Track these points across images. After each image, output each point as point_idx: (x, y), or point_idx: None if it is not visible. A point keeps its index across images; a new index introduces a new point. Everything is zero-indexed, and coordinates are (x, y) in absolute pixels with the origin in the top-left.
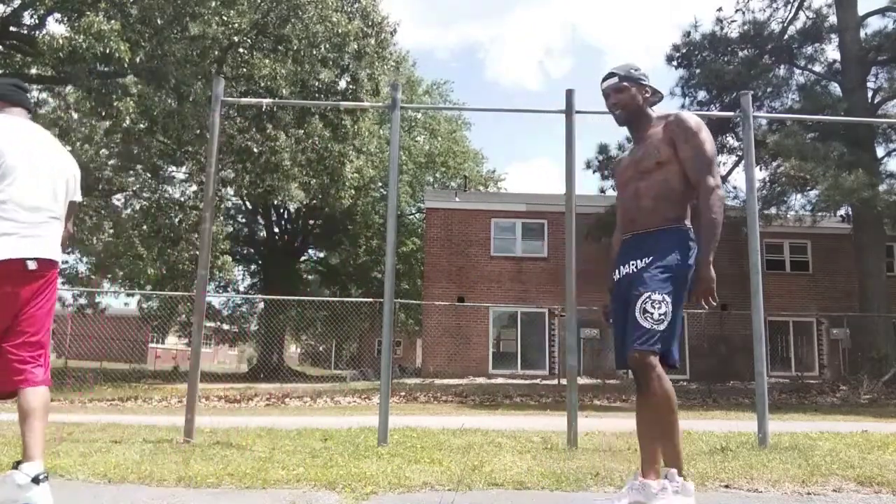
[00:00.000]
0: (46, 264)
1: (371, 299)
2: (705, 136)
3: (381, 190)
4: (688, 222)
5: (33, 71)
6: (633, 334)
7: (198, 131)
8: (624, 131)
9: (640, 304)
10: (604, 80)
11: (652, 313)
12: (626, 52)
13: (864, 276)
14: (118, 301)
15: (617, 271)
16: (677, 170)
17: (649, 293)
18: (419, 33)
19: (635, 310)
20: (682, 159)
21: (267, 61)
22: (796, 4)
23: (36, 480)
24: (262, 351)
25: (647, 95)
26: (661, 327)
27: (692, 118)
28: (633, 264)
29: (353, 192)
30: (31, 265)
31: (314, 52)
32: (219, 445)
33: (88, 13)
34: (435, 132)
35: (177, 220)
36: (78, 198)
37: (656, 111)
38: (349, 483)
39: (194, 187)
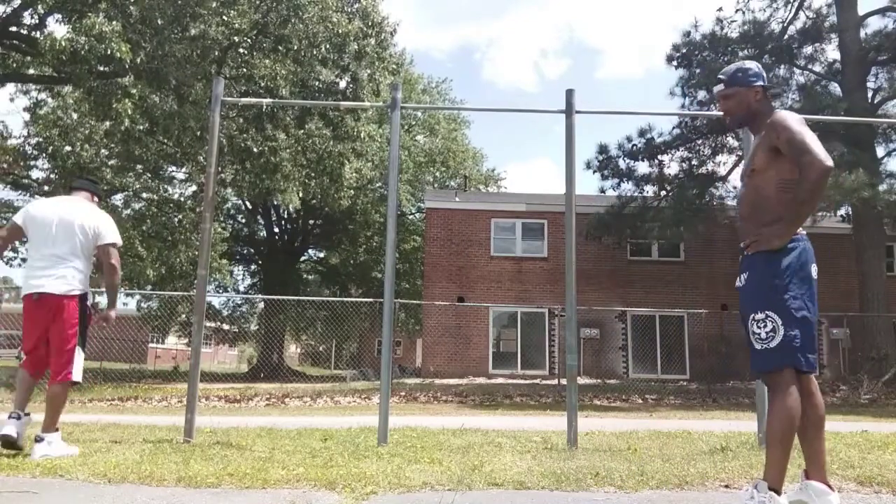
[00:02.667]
0: (48, 296)
1: (371, 299)
2: (795, 125)
3: (381, 190)
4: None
5: (31, 71)
6: (751, 358)
7: (198, 132)
8: (623, 131)
9: (749, 327)
10: (715, 84)
11: (759, 334)
12: (622, 52)
13: (864, 276)
14: (118, 301)
15: (738, 279)
16: (773, 176)
17: (752, 314)
18: (415, 34)
19: (749, 333)
20: (787, 155)
21: (267, 61)
22: (796, 4)
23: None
24: (262, 351)
25: (758, 98)
26: (773, 344)
27: (780, 117)
28: (741, 277)
29: (352, 192)
30: (35, 297)
31: (314, 53)
32: (219, 445)
33: (90, 14)
34: (434, 131)
35: (176, 220)
36: (105, 241)
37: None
38: (349, 483)
39: (194, 188)
